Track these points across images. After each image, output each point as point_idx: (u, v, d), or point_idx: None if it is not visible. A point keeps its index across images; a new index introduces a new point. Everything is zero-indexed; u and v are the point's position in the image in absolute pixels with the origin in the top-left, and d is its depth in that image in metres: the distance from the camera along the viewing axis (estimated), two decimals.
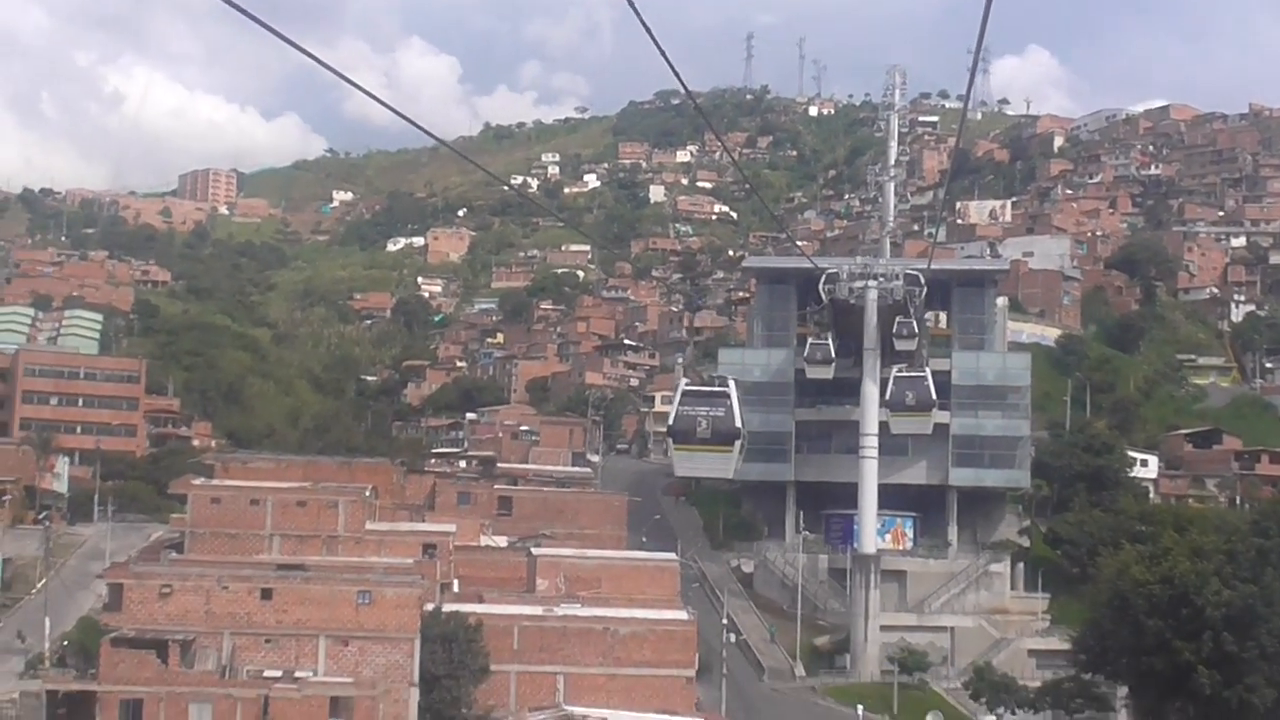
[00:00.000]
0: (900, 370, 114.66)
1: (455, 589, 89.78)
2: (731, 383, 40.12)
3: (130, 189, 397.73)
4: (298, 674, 67.78)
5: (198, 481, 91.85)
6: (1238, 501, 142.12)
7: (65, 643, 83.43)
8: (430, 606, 77.20)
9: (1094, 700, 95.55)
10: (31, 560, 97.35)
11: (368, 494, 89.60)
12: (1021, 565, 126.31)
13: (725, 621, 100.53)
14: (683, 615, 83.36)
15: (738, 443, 40.24)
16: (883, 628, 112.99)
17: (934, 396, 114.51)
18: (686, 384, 40.92)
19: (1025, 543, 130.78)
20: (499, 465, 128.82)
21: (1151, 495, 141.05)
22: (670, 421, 39.84)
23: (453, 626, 75.43)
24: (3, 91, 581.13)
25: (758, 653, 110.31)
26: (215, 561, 75.58)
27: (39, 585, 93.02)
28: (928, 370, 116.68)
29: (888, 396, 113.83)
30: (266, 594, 69.55)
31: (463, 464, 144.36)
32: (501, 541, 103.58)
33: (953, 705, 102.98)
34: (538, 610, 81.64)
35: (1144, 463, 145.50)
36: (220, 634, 68.86)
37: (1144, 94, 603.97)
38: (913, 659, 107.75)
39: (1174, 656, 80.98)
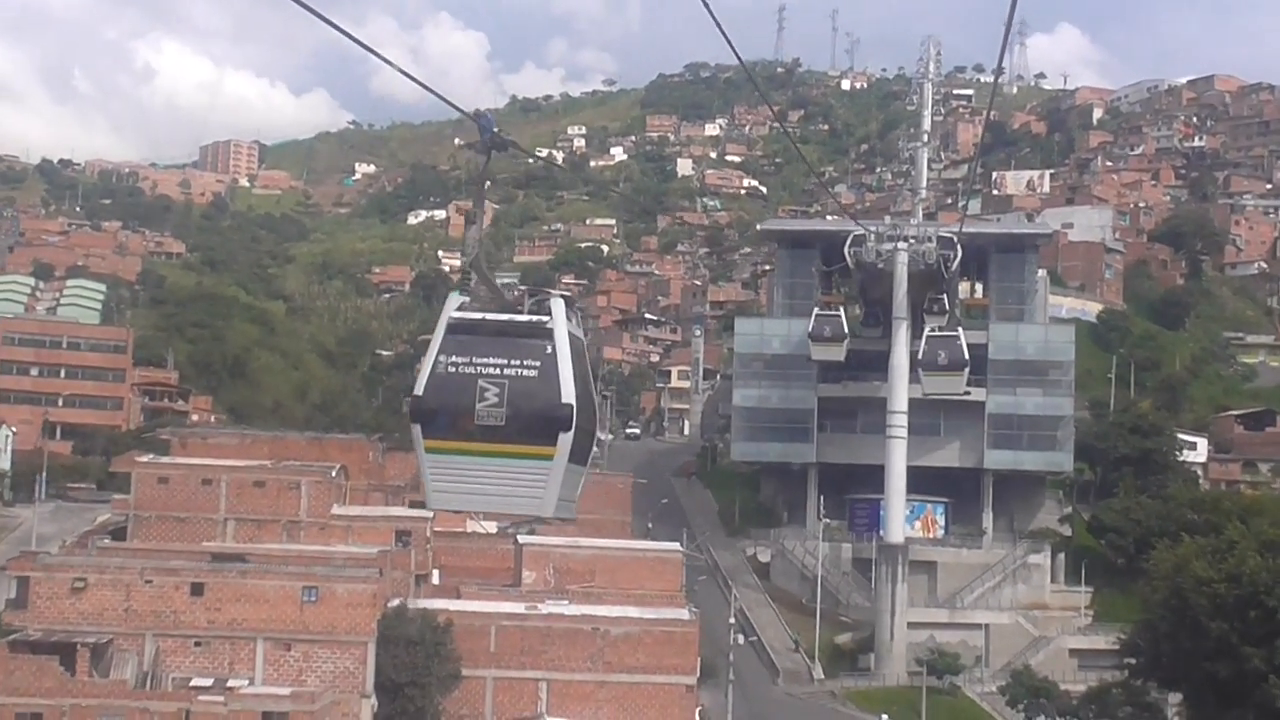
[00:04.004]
0: (933, 330, 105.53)
1: (436, 580, 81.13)
2: (558, 305, 14.23)
3: (153, 161, 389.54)
4: (230, 682, 58.73)
5: (144, 458, 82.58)
6: None
7: None
8: (397, 602, 68.41)
9: (1144, 709, 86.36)
10: None
11: (334, 474, 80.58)
12: (1062, 556, 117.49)
13: (733, 620, 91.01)
14: (683, 614, 74.22)
15: (567, 437, 13.64)
16: (910, 624, 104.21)
17: (966, 356, 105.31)
18: (457, 308, 14.87)
19: (1067, 531, 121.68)
20: None
21: (1201, 480, 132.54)
22: (417, 389, 14.28)
23: (419, 626, 66.47)
24: (35, 65, 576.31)
25: (772, 651, 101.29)
26: (145, 550, 66.29)
27: None
28: (960, 330, 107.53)
29: (920, 357, 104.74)
30: (197, 589, 60.09)
31: None
32: (491, 528, 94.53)
33: (987, 712, 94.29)
34: (519, 608, 72.48)
35: (1192, 445, 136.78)
36: (142, 636, 59.57)
37: (1180, 71, 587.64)
38: (943, 660, 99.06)
39: (1240, 663, 71.89)
